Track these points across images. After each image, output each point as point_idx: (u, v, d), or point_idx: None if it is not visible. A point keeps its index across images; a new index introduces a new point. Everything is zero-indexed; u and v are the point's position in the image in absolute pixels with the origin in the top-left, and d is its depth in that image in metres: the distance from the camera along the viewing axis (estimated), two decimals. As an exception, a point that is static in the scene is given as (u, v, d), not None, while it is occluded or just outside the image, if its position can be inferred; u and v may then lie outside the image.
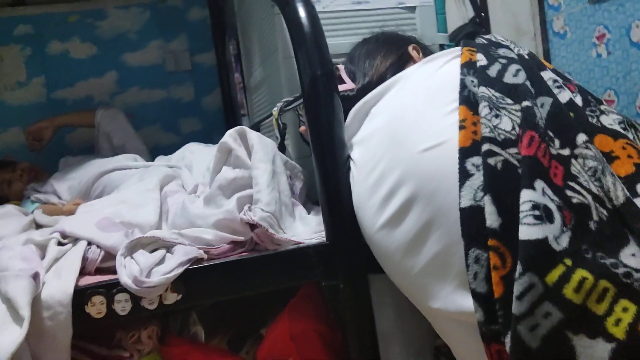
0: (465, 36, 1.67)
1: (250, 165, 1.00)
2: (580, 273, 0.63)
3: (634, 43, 1.51)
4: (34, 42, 1.99)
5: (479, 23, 1.83)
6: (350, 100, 0.97)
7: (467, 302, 0.71)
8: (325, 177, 0.93)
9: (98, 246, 0.95)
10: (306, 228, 1.00)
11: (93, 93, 2.05)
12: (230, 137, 1.03)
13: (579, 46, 1.71)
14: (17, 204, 1.53)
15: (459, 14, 1.85)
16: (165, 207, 1.16)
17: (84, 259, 0.93)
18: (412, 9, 1.34)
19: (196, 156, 1.45)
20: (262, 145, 1.01)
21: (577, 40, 1.71)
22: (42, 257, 0.93)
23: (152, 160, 1.63)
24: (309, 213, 1.10)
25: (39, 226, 1.36)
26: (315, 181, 0.96)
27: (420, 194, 0.77)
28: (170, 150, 1.62)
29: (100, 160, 1.59)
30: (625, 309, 0.61)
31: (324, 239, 0.95)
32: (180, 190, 1.21)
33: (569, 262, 0.63)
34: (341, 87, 1.00)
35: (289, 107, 1.10)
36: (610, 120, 0.76)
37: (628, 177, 0.70)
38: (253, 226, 0.96)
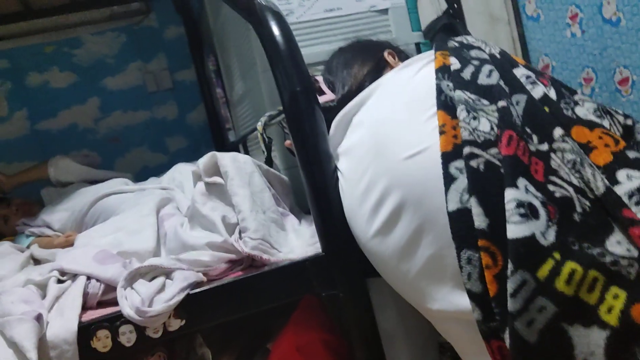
0: (441, 28, 1.68)
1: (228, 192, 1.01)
2: (569, 265, 0.64)
3: (607, 20, 1.53)
4: (12, 76, 1.99)
5: (453, 14, 1.84)
6: (331, 111, 0.98)
7: (464, 301, 0.73)
8: (316, 191, 0.94)
9: (97, 280, 0.96)
10: (300, 240, 1.01)
11: (77, 121, 2.05)
12: (202, 167, 1.04)
13: (553, 27, 1.73)
14: (11, 240, 1.53)
15: (432, 8, 1.86)
16: (162, 231, 1.17)
17: (85, 294, 0.93)
18: (384, 11, 1.35)
19: (185, 176, 1.46)
20: (236, 169, 1.02)
21: (551, 22, 1.73)
22: (43, 297, 0.93)
23: (142, 181, 1.63)
24: (300, 222, 1.11)
25: (36, 261, 1.36)
26: (306, 193, 0.97)
27: (408, 201, 0.78)
28: (159, 170, 1.63)
29: (92, 187, 1.59)
30: (616, 296, 0.63)
31: (320, 250, 0.96)
32: (176, 213, 1.22)
33: (557, 255, 0.65)
34: (321, 99, 1.01)
35: (273, 121, 1.11)
36: (584, 111, 0.78)
37: (607, 166, 0.71)
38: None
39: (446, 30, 1.20)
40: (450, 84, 0.80)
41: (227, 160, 1.04)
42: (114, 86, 2.07)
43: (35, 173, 1.77)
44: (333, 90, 1.04)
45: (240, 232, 0.96)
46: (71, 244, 1.33)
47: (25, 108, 2.01)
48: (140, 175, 1.79)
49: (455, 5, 1.90)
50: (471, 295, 0.71)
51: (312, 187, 0.94)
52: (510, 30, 1.92)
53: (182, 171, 1.50)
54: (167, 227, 1.17)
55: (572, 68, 1.69)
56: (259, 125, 1.12)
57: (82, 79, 2.04)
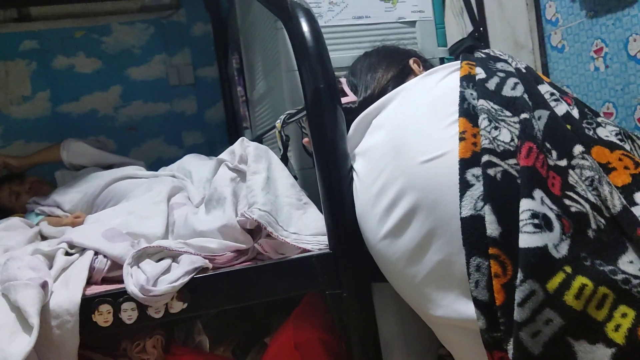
0: (465, 50, 1.69)
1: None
2: (580, 280, 0.64)
3: (632, 57, 1.53)
4: (39, 57, 2.03)
5: (478, 37, 1.85)
6: (352, 113, 0.99)
7: (469, 310, 0.72)
8: (329, 188, 0.95)
9: (105, 256, 0.96)
10: (316, 224, 1.01)
11: (97, 107, 2.08)
12: (237, 152, 1.06)
13: (577, 60, 1.73)
14: (21, 216, 1.54)
15: (458, 28, 1.88)
16: (171, 219, 1.18)
17: (91, 269, 0.94)
18: (412, 23, 1.37)
19: (194, 167, 1.47)
20: (255, 156, 1.04)
21: (575, 54, 1.73)
22: (50, 267, 0.94)
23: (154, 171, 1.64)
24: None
25: (44, 238, 1.37)
26: (319, 192, 0.98)
27: (422, 204, 0.78)
28: (173, 162, 1.64)
29: (105, 172, 1.60)
30: (624, 315, 0.63)
31: (327, 249, 0.96)
32: (186, 203, 1.23)
33: (568, 269, 0.65)
34: (343, 100, 1.02)
35: (292, 119, 1.12)
36: (606, 132, 0.78)
37: (625, 187, 0.71)
38: (254, 234, 0.98)
39: (470, 51, 1.21)
40: (474, 93, 0.80)
41: (252, 146, 1.06)
42: (137, 76, 2.10)
43: (48, 155, 1.79)
44: (355, 93, 1.05)
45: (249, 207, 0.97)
46: (80, 225, 1.34)
47: (48, 89, 2.04)
48: (154, 166, 1.79)
49: (481, 29, 1.92)
50: (477, 303, 0.70)
51: (326, 184, 0.95)
52: (534, 59, 1.92)
53: (190, 162, 1.51)
54: (177, 215, 1.17)
55: (593, 102, 1.69)
56: (278, 123, 1.14)
57: (106, 66, 2.07)
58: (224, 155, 1.10)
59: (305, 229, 0.98)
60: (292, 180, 1.07)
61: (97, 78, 2.07)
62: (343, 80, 1.09)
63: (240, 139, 1.10)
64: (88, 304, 0.86)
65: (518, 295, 0.65)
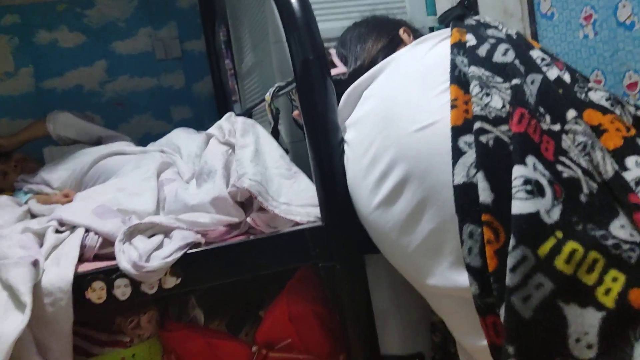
0: (455, 18, 1.66)
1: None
2: (570, 245, 0.64)
3: (621, 23, 1.52)
4: (21, 31, 1.97)
5: (468, 6, 1.83)
6: (342, 84, 0.98)
7: (462, 278, 0.73)
8: (320, 161, 0.94)
9: (96, 233, 0.96)
10: (309, 193, 1.00)
11: (82, 82, 2.04)
12: (216, 129, 1.06)
13: (566, 27, 1.72)
14: (9, 195, 1.53)
15: (447, -3, 1.85)
16: (161, 195, 1.17)
17: (82, 246, 0.93)
18: (401, -8, 1.35)
19: (182, 141, 1.46)
20: (243, 130, 1.04)
21: (564, 21, 1.72)
22: (40, 245, 0.93)
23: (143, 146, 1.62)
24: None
25: (33, 216, 1.36)
26: (310, 164, 0.97)
27: (413, 173, 0.78)
28: (161, 138, 1.62)
29: (94, 148, 1.58)
30: (614, 279, 0.63)
31: (318, 221, 0.96)
32: (176, 179, 1.22)
33: (559, 234, 0.65)
34: (333, 71, 1.01)
35: (282, 92, 1.11)
36: (598, 97, 0.78)
37: (617, 150, 0.71)
38: (245, 209, 0.97)
39: (460, 20, 1.20)
40: (465, 60, 0.80)
41: (239, 121, 1.06)
42: (122, 50, 2.06)
43: (35, 130, 1.76)
44: (345, 64, 1.04)
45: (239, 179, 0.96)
46: (69, 203, 1.33)
47: (31, 65, 1.99)
48: (142, 141, 1.76)
49: (471, -4, 1.89)
50: (470, 269, 0.71)
51: (317, 157, 0.94)
52: (523, 27, 1.91)
53: (179, 136, 1.50)
54: (167, 191, 1.17)
55: (582, 69, 1.69)
56: (267, 96, 1.12)
57: (91, 41, 2.02)
58: (212, 130, 1.09)
59: (295, 198, 0.98)
60: (281, 151, 1.07)
61: (81, 53, 2.02)
62: (332, 51, 1.08)
63: (228, 113, 1.10)
64: (81, 281, 0.86)
65: (510, 261, 0.65)
